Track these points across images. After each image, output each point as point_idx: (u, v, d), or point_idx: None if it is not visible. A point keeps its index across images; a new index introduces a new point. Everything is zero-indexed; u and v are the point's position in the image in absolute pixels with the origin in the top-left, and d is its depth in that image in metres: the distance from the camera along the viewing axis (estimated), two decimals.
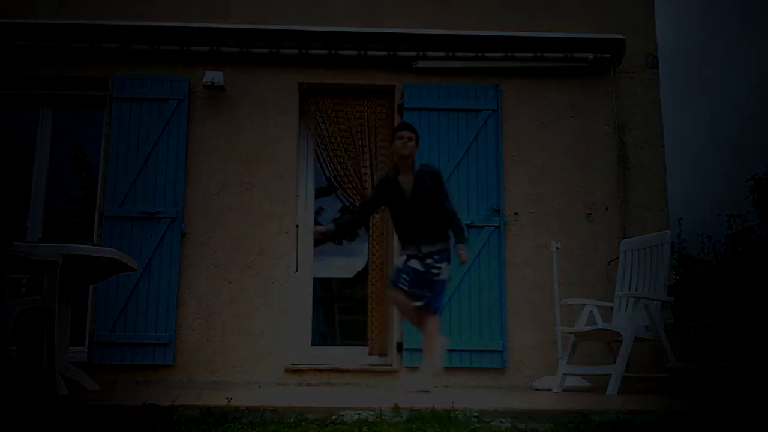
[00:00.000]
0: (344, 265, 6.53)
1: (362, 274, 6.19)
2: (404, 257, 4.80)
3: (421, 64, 6.05)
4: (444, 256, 4.77)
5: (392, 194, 4.81)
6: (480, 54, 6.04)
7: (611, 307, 5.22)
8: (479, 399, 3.97)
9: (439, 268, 4.72)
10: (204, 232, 5.78)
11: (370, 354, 5.89)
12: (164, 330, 5.56)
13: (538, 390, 5.18)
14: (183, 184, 5.81)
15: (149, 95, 5.93)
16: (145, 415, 2.90)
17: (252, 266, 5.75)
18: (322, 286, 6.26)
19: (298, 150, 6.07)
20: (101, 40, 5.93)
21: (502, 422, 2.78)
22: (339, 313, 6.58)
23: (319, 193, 6.29)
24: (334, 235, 5.45)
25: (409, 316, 4.83)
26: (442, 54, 6.03)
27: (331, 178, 6.16)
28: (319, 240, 4.89)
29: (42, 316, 3.54)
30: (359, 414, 2.95)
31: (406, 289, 4.68)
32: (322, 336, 6.24)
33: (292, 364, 5.67)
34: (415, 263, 4.72)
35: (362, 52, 5.98)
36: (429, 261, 4.72)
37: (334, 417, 2.88)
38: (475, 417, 2.90)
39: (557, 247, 5.45)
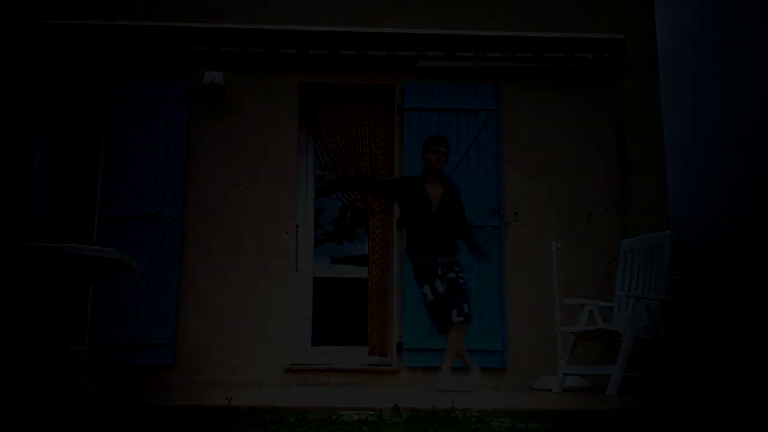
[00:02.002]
0: (344, 265, 6.54)
1: (362, 274, 6.19)
2: (426, 286, 4.83)
3: (421, 64, 6.05)
4: (460, 265, 4.93)
5: (415, 199, 4.89)
6: (480, 54, 6.03)
7: (611, 307, 5.22)
8: (479, 399, 3.97)
9: (463, 277, 4.87)
10: (204, 232, 5.78)
11: (370, 354, 5.89)
12: (164, 330, 5.56)
13: (538, 390, 5.18)
14: (183, 184, 5.81)
15: (149, 95, 5.93)
16: (145, 415, 2.90)
17: (252, 266, 5.75)
18: (322, 286, 6.26)
19: (298, 150, 6.07)
20: (102, 40, 5.92)
21: (502, 422, 2.78)
22: (339, 313, 6.59)
23: (319, 193, 6.29)
24: (341, 183, 5.43)
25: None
26: (442, 54, 6.03)
27: None
28: (328, 187, 5.07)
29: (42, 316, 3.54)
30: (359, 414, 2.95)
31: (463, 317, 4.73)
32: (322, 336, 6.24)
33: (292, 364, 5.67)
34: (438, 285, 4.81)
35: (362, 53, 5.98)
36: (452, 275, 4.83)
37: (334, 417, 2.88)
38: (475, 417, 2.90)
39: (557, 247, 5.45)
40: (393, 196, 5.01)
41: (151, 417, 2.87)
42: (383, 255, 5.99)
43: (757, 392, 3.94)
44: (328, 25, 6.06)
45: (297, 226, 5.98)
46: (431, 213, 4.89)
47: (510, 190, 5.93)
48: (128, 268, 4.47)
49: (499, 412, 3.06)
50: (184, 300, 5.66)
